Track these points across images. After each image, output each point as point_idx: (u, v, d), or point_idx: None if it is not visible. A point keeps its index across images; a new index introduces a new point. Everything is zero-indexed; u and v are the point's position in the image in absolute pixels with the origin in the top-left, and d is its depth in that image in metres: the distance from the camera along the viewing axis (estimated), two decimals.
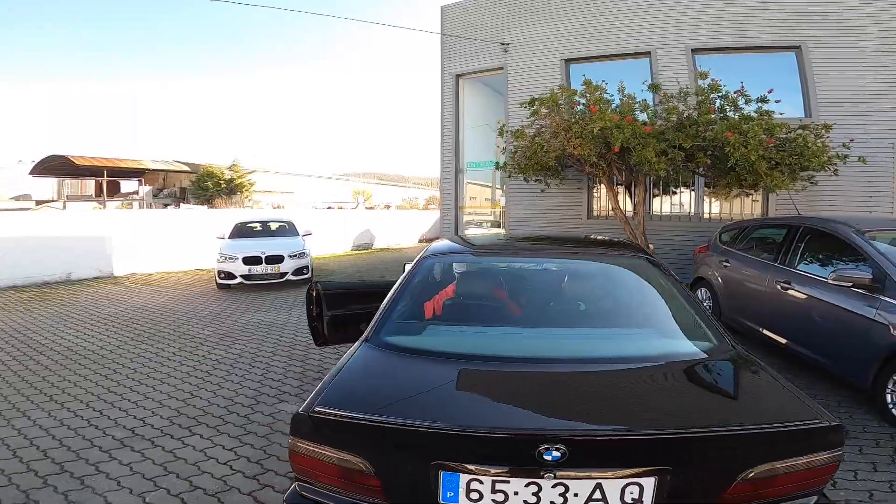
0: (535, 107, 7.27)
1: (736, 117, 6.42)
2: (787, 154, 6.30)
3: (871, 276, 4.01)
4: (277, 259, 9.70)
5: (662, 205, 9.73)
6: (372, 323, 2.26)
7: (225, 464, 2.91)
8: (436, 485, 1.45)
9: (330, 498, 1.56)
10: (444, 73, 11.23)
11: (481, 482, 1.43)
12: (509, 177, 9.44)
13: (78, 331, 6.30)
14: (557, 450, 1.36)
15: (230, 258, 9.54)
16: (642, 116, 6.60)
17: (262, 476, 2.79)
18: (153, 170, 31.81)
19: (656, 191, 9.56)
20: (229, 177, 29.80)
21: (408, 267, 5.33)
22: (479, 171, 11.43)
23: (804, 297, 4.73)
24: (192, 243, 12.77)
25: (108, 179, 29.73)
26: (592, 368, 1.90)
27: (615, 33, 9.44)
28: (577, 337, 2.27)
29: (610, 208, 9.89)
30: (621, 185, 8.19)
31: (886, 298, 3.84)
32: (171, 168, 33.06)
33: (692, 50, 8.82)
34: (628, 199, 8.46)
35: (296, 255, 9.95)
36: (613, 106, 6.61)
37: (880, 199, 8.23)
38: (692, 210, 9.38)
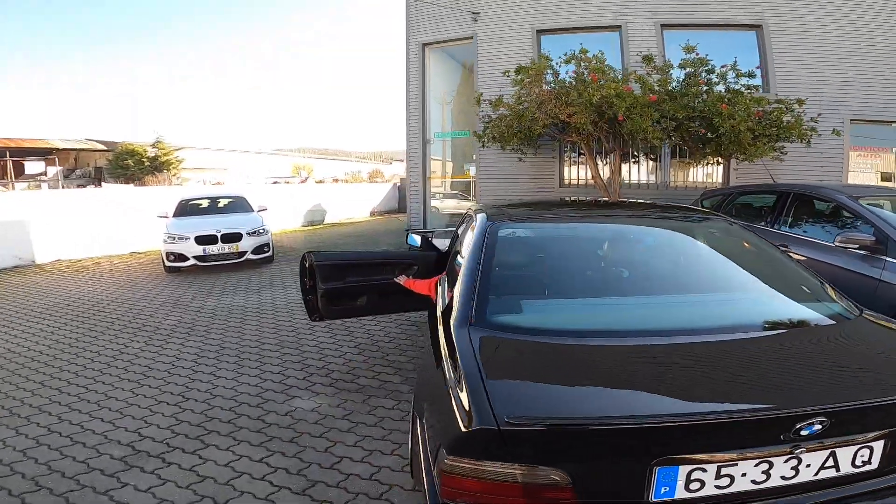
0: (521, 75, 6.97)
1: (722, 90, 6.47)
2: (767, 125, 6.41)
3: (874, 238, 4.12)
4: (235, 237, 8.85)
5: (630, 173, 9.80)
6: (462, 303, 1.89)
7: (263, 479, 2.45)
8: (648, 482, 1.25)
9: None
10: (410, 42, 10.56)
11: (705, 470, 1.27)
12: (483, 146, 9.14)
13: (14, 329, 5.37)
14: (819, 423, 1.26)
15: (180, 238, 8.59)
16: (635, 87, 6.47)
17: (312, 490, 2.37)
18: (63, 149, 28.49)
19: (625, 160, 9.60)
20: (153, 154, 27.35)
21: (415, 238, 4.95)
22: (446, 140, 10.98)
23: (804, 259, 4.83)
24: (124, 224, 11.47)
25: (11, 160, 26.27)
26: (746, 336, 1.73)
27: (587, 5, 9.21)
28: (700, 304, 2.04)
29: (580, 177, 9.90)
30: (599, 153, 8.09)
31: (890, 259, 3.96)
32: (85, 147, 29.71)
33: (661, 25, 8.75)
34: (603, 168, 8.41)
35: (255, 233, 9.14)
36: (614, 75, 6.45)
37: (830, 171, 8.62)
38: (659, 178, 9.53)
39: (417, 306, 4.23)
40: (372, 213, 21.48)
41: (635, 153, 9.23)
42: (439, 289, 2.80)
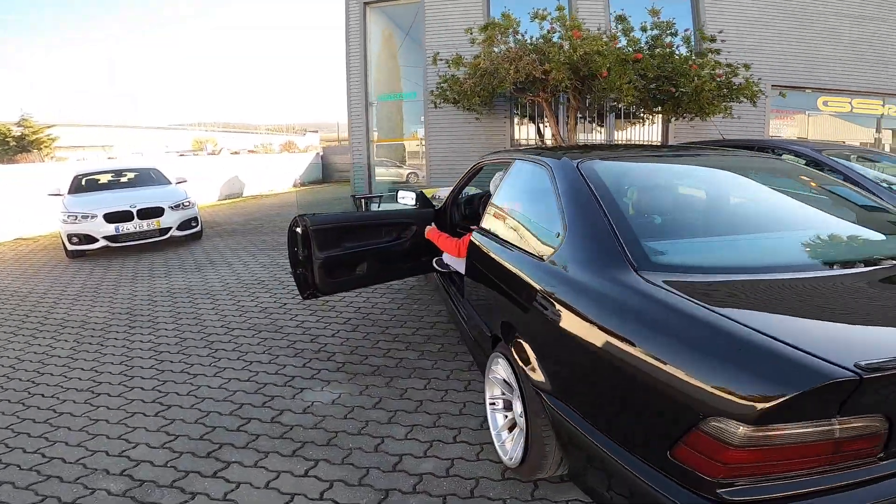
0: (487, 32, 6.54)
1: (684, 51, 6.54)
2: (723, 86, 6.58)
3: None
4: (155, 212, 7.62)
5: (578, 132, 9.81)
6: (604, 249, 1.55)
7: (322, 498, 1.92)
8: None
9: (782, 488, 1.05)
10: (351, 1, 9.59)
11: None
12: (435, 107, 8.64)
13: None
14: None
15: (84, 217, 7.22)
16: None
17: (389, 502, 1.90)
18: None
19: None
20: (19, 133, 23.52)
21: (406, 195, 4.38)
22: (392, 102, 10.26)
23: None
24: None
25: None
26: None
27: None
28: (847, 236, 1.90)
29: (530, 137, 9.73)
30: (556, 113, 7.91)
31: None
32: None
33: None
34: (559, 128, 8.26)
35: (179, 206, 7.94)
36: (595, 31, 6.26)
37: (752, 132, 9.20)
38: (605, 137, 9.63)
39: (420, 270, 3.77)
40: (295, 184, 20.06)
41: (589, 113, 9.22)
42: (488, 246, 2.40)
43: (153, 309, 4.67)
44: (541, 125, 9.03)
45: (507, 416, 2.15)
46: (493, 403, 2.24)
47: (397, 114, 10.66)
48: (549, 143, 8.75)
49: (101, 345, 3.77)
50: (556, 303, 1.63)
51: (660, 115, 8.27)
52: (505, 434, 2.13)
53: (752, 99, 6.58)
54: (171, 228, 7.75)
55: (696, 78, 6.04)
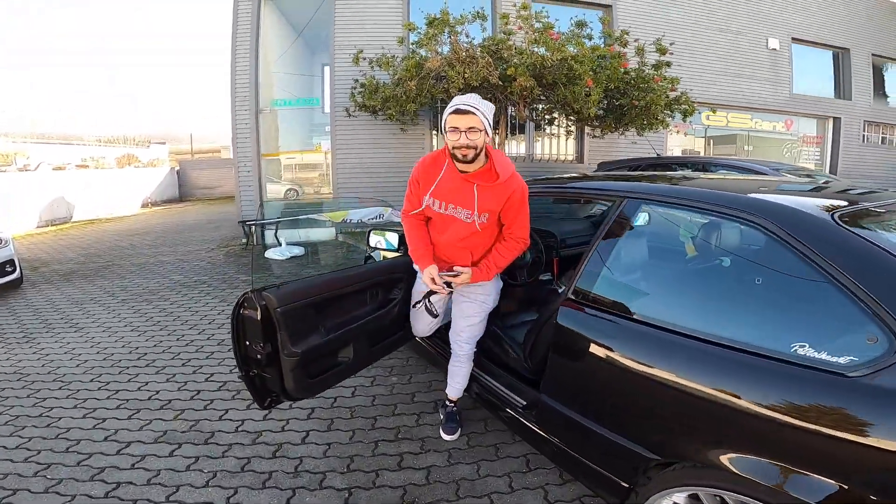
0: (435, 27, 5.59)
1: (637, 63, 6.29)
2: (670, 100, 6.49)
3: None
4: None
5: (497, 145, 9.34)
6: None
7: None
8: None
9: None
10: None
11: None
12: (348, 115, 7.42)
13: None
14: None
15: None
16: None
17: None
18: None
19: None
20: None
21: (383, 237, 3.08)
22: (290, 109, 8.70)
23: None
24: None
25: None
26: None
27: None
28: None
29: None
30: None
31: None
32: None
33: None
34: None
35: None
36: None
37: (643, 147, 9.45)
38: (527, 151, 9.28)
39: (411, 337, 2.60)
40: (145, 205, 16.78)
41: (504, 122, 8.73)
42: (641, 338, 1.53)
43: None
44: None
45: None
46: None
47: (295, 122, 9.14)
48: None
49: None
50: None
51: (575, 128, 8.05)
52: None
53: (687, 114, 6.55)
54: None
55: (650, 91, 5.79)
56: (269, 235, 7.87)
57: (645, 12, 9.19)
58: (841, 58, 11.93)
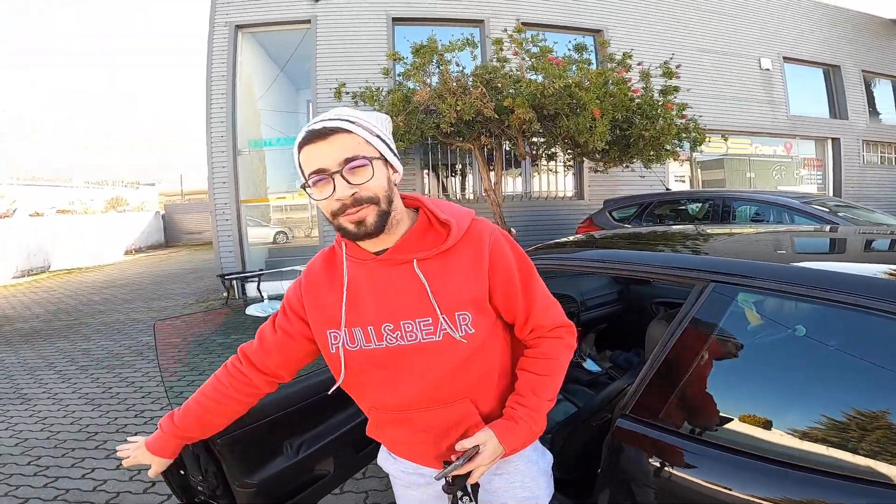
0: (421, 58, 5.23)
1: (653, 93, 5.87)
2: (681, 129, 6.04)
3: None
4: None
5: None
6: None
7: None
8: None
9: None
10: (216, 21, 7.62)
11: None
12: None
13: None
14: None
15: None
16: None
17: None
18: None
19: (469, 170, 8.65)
20: None
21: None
22: (278, 150, 8.29)
23: None
24: None
25: None
26: None
27: None
28: None
29: (453, 191, 8.54)
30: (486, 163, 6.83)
31: None
32: None
33: (523, 23, 8.13)
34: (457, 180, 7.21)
35: None
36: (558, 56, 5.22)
37: (650, 181, 9.02)
38: (524, 188, 8.86)
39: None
40: (129, 251, 16.22)
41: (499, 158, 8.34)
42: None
43: None
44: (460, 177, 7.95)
45: None
46: None
47: (283, 163, 8.72)
48: (469, 197, 7.65)
49: None
50: None
51: (577, 162, 7.66)
52: None
53: (697, 143, 6.08)
54: None
55: (661, 119, 5.32)
56: (252, 288, 7.33)
57: (637, 37, 8.93)
58: (832, 75, 11.76)
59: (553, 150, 6.48)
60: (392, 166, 0.97)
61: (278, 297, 7.04)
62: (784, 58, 10.86)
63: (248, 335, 4.99)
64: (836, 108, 11.80)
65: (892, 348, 1.02)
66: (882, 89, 12.82)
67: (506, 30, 5.72)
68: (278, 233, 11.20)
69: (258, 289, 6.99)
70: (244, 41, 7.84)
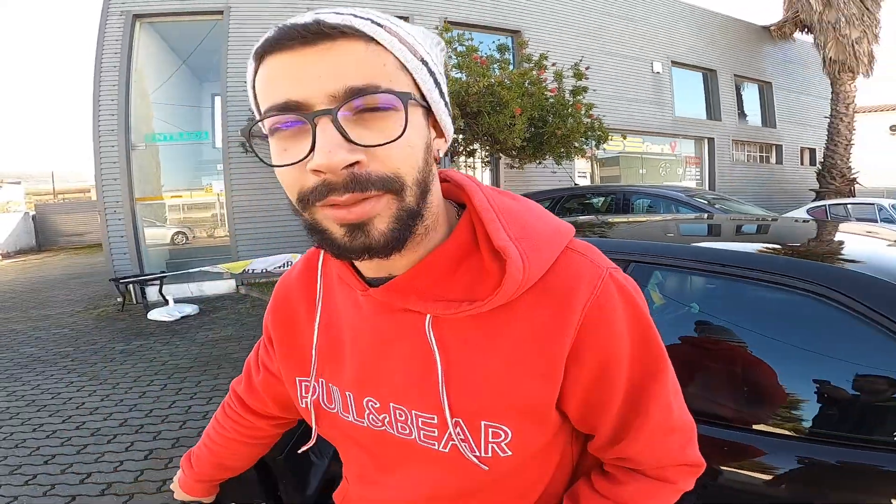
0: None
1: (566, 94, 6.20)
2: (589, 127, 6.46)
3: None
4: None
5: None
6: None
7: None
8: None
9: None
10: (111, 12, 6.81)
11: None
12: (245, 151, 6.65)
13: None
14: None
15: None
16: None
17: None
18: None
19: None
20: None
21: None
22: (174, 145, 7.62)
23: None
24: None
25: None
26: None
27: None
28: None
29: None
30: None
31: None
32: None
33: (447, 21, 8.21)
34: None
35: None
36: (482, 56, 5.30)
37: (561, 177, 9.63)
38: None
39: None
40: None
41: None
42: None
43: None
44: None
45: None
46: None
47: (181, 159, 8.04)
48: None
49: None
50: None
51: (495, 158, 7.93)
52: None
53: (601, 141, 6.57)
54: None
55: (570, 118, 5.68)
56: (153, 292, 6.72)
57: (552, 38, 9.41)
58: (710, 79, 13.16)
59: (473, 146, 6.67)
60: (440, 124, 0.52)
61: (185, 300, 6.54)
62: (672, 62, 12.00)
63: (151, 341, 4.67)
64: (712, 109, 13.25)
65: (765, 308, 1.24)
66: (749, 93, 14.57)
67: (437, 28, 5.76)
68: (177, 233, 10.38)
69: (160, 292, 6.43)
70: (141, 31, 7.14)
